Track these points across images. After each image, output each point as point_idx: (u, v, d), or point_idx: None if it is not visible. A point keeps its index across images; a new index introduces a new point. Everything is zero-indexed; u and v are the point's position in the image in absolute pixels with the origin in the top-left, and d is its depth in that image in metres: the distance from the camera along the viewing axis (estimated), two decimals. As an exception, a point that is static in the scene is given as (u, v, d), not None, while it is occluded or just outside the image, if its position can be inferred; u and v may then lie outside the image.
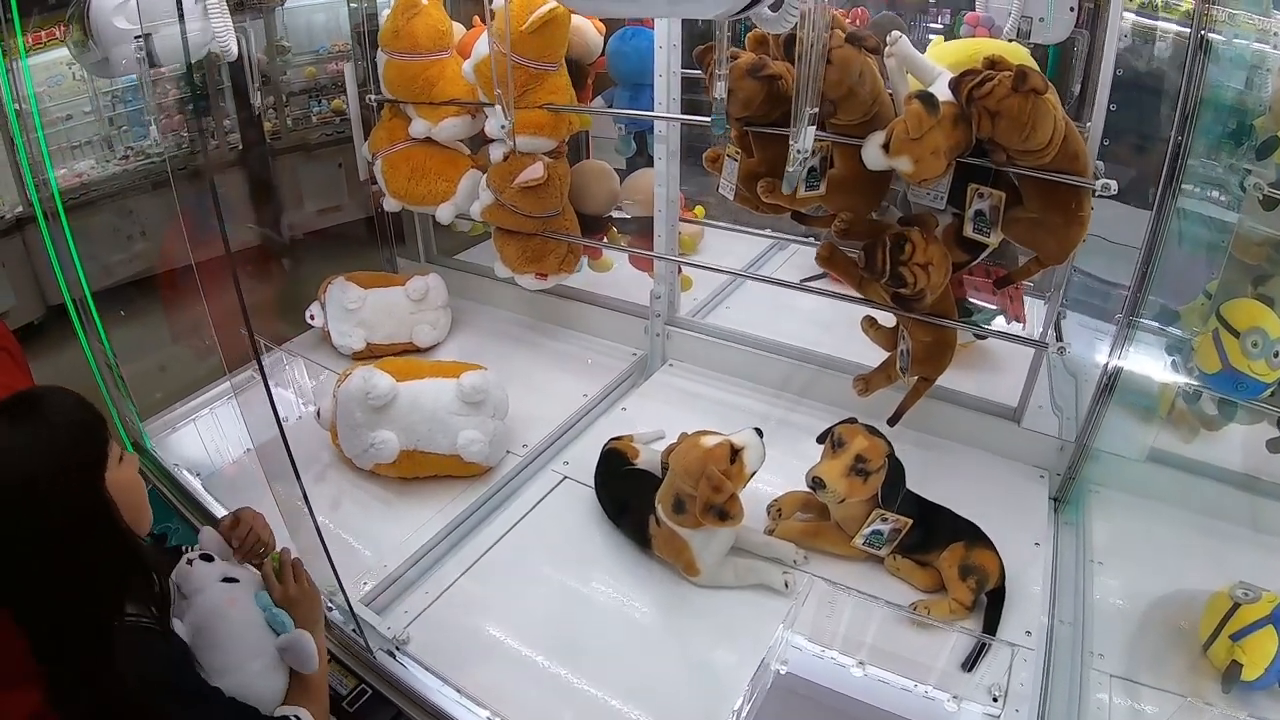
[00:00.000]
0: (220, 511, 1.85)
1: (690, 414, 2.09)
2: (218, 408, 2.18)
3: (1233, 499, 1.63)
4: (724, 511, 1.49)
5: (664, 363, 2.39)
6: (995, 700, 1.34)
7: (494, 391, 1.89)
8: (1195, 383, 1.50)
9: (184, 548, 1.28)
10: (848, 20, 1.97)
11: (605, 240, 2.44)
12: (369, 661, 1.50)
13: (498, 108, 2.02)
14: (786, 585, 1.58)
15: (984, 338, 2.03)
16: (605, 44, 2.27)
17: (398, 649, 1.50)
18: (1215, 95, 1.40)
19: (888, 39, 1.61)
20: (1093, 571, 1.61)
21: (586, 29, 2.19)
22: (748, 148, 1.80)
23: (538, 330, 2.57)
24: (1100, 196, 1.47)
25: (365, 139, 2.49)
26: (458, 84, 2.20)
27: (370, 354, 2.36)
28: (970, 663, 1.40)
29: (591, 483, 1.84)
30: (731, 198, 1.88)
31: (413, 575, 1.69)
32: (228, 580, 1.22)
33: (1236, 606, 1.32)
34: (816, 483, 1.56)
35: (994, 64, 1.46)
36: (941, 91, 1.52)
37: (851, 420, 1.64)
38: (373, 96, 2.43)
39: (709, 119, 1.75)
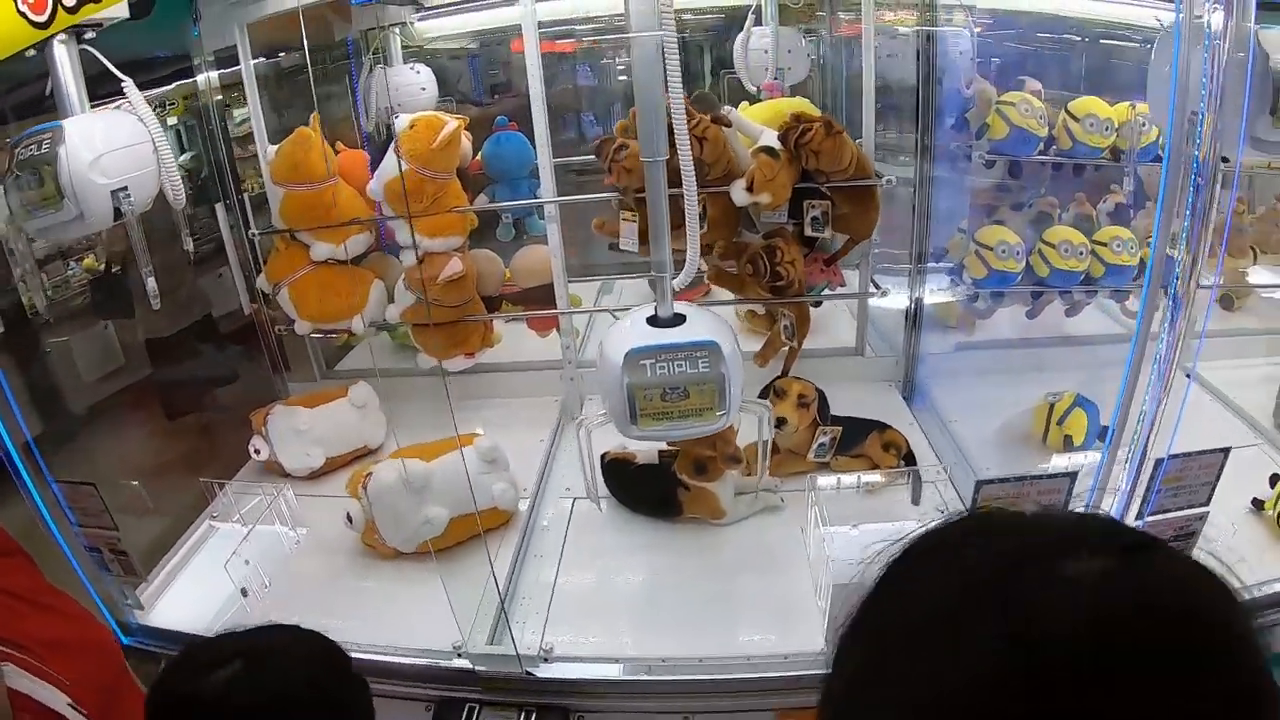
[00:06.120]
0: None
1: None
2: (188, 565, 2.22)
3: (1018, 355, 2.57)
4: (738, 458, 2.04)
5: (586, 399, 2.84)
6: (941, 513, 2.04)
7: (499, 449, 2.22)
8: (971, 290, 2.36)
9: None
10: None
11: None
12: (522, 682, 1.76)
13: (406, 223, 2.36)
14: (782, 500, 2.18)
15: (819, 304, 2.81)
16: (477, 150, 2.68)
17: (546, 659, 1.78)
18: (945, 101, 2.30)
19: (723, 111, 2.30)
20: (954, 429, 2.42)
21: (462, 140, 2.59)
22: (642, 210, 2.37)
23: (460, 409, 2.82)
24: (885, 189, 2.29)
25: (251, 272, 2.62)
26: (355, 203, 2.47)
27: (329, 468, 2.48)
28: (916, 496, 2.09)
29: (599, 494, 2.25)
30: (636, 250, 2.42)
31: (512, 605, 1.96)
32: None
33: (1053, 406, 2.16)
34: (781, 421, 2.17)
35: (798, 118, 2.20)
36: (770, 141, 2.24)
37: (779, 378, 2.29)
38: (254, 231, 2.57)
39: (603, 195, 2.37)
